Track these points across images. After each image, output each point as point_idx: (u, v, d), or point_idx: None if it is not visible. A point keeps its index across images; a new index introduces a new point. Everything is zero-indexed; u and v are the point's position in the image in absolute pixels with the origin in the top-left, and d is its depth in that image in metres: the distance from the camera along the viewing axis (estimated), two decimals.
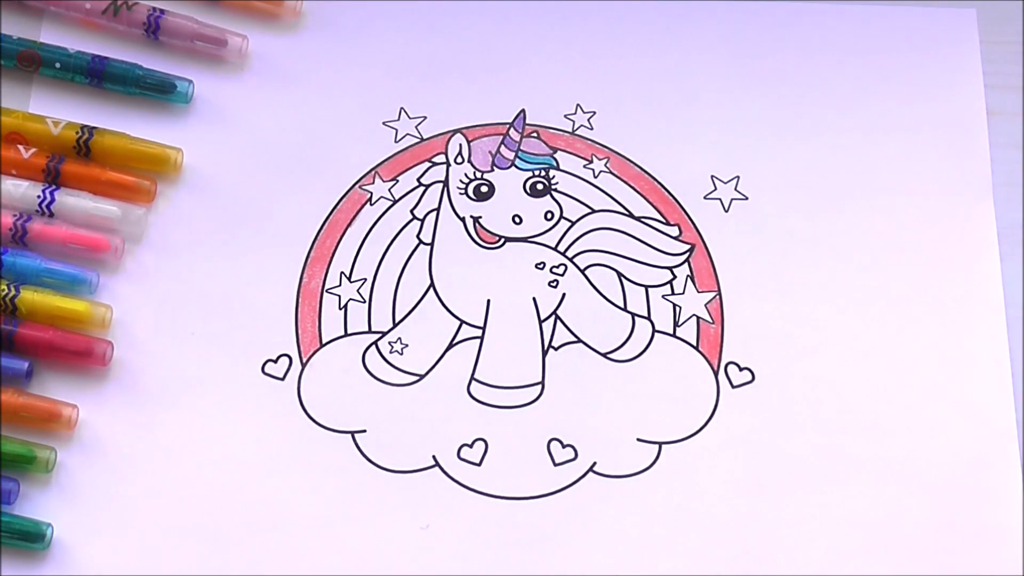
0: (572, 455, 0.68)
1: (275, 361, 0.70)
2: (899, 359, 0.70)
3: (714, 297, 0.71)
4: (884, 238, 0.72)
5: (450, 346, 0.70)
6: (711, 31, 0.76)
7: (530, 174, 0.73)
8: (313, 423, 0.69)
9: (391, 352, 0.70)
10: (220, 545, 0.67)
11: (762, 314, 0.71)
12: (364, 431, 0.69)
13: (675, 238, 0.72)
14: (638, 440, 0.69)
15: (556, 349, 0.70)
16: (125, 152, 0.72)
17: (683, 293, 0.71)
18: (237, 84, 0.75)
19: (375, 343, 0.70)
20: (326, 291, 0.71)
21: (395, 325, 0.71)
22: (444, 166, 0.73)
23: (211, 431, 0.68)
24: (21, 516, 0.66)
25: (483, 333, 0.70)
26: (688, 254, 0.72)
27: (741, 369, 0.70)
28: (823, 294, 0.71)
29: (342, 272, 0.71)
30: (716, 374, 0.70)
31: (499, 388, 0.69)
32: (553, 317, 0.71)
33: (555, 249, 0.72)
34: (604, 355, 0.70)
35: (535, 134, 0.74)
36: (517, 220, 0.72)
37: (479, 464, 0.68)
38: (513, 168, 0.73)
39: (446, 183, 0.73)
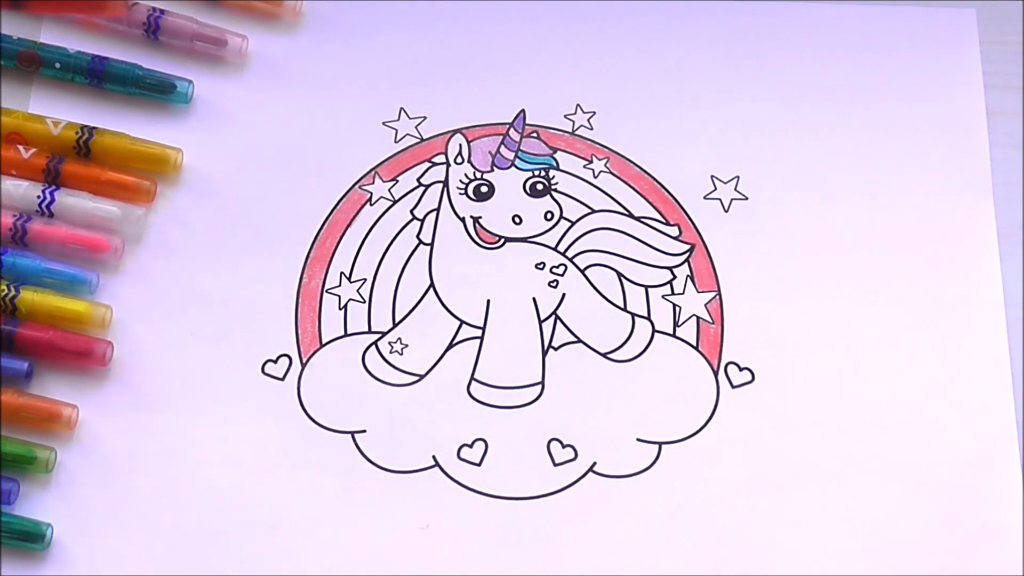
0: (572, 455, 0.68)
1: (275, 361, 0.70)
2: (899, 359, 0.70)
3: (714, 297, 0.71)
4: (884, 238, 0.72)
5: (450, 346, 0.70)
6: (711, 31, 0.76)
7: (530, 174, 0.73)
8: (313, 423, 0.69)
9: (391, 352, 0.70)
10: (220, 545, 0.67)
11: (762, 314, 0.71)
12: (364, 431, 0.69)
13: (675, 238, 0.72)
14: (638, 440, 0.69)
15: (556, 349, 0.70)
16: (125, 152, 0.72)
17: (683, 293, 0.71)
18: (237, 84, 0.75)
19: (375, 343, 0.70)
20: (326, 291, 0.71)
21: (395, 325, 0.71)
22: (444, 166, 0.73)
23: (211, 431, 0.68)
24: (21, 516, 0.66)
25: (483, 333, 0.70)
26: (688, 254, 0.72)
27: (741, 369, 0.70)
28: (823, 294, 0.71)
29: (342, 272, 0.71)
30: (716, 374, 0.70)
31: (499, 388, 0.69)
32: (553, 317, 0.71)
33: (555, 249, 0.72)
34: (604, 355, 0.70)
35: (535, 134, 0.74)
36: (517, 220, 0.72)
37: (479, 464, 0.68)
38: (513, 168, 0.73)
39: (446, 183, 0.73)
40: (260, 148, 0.74)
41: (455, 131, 0.74)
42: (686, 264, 0.72)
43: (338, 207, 0.73)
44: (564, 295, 0.71)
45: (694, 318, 0.71)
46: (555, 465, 0.68)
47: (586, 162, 0.74)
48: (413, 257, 0.72)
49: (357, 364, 0.70)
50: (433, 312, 0.71)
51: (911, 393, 0.69)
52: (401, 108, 0.74)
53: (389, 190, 0.73)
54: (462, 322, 0.71)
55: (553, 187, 0.73)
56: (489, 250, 0.72)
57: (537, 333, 0.71)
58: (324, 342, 0.70)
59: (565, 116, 0.74)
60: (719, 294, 0.71)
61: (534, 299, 0.71)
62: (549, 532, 0.67)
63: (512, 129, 0.74)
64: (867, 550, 0.67)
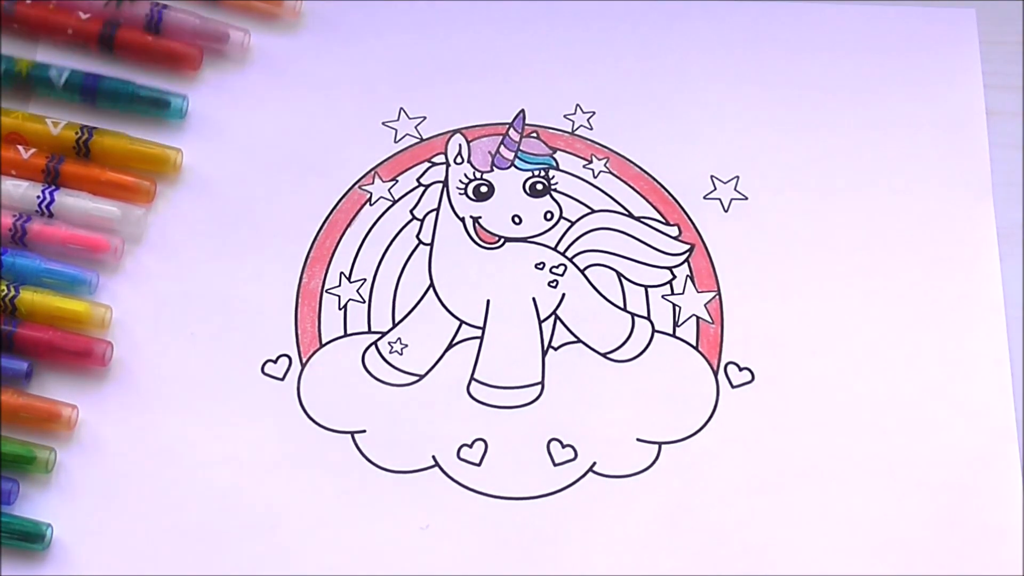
0: (572, 455, 0.68)
1: (275, 361, 0.70)
2: (899, 359, 0.70)
3: (714, 297, 0.71)
4: (884, 238, 0.72)
5: (450, 346, 0.70)
6: (711, 31, 0.76)
7: (530, 174, 0.73)
8: (313, 423, 0.69)
9: (391, 352, 0.70)
10: (220, 545, 0.67)
11: (762, 314, 0.71)
12: (364, 431, 0.69)
13: (675, 238, 0.72)
14: (638, 440, 0.69)
15: (556, 349, 0.70)
16: (124, 152, 0.72)
17: (683, 293, 0.71)
18: (237, 84, 0.75)
19: (375, 343, 0.70)
20: (326, 291, 0.71)
21: (395, 325, 0.71)
22: (444, 166, 0.73)
23: (211, 431, 0.68)
24: (21, 516, 0.66)
25: (483, 333, 0.70)
26: (688, 254, 0.72)
27: (741, 369, 0.70)
28: (823, 294, 0.71)
29: (342, 272, 0.71)
30: (716, 374, 0.70)
31: (499, 388, 0.69)
32: (553, 317, 0.71)
33: (555, 249, 0.72)
34: (604, 355, 0.70)
35: (535, 134, 0.74)
36: (517, 220, 0.72)
37: (479, 464, 0.68)
38: (513, 168, 0.73)
39: (446, 183, 0.73)
40: (260, 148, 0.74)
41: (455, 131, 0.74)
42: (686, 264, 0.72)
43: (338, 207, 0.73)
44: (564, 295, 0.71)
45: (694, 318, 0.71)
46: (555, 465, 0.68)
47: (586, 162, 0.74)
48: (413, 257, 0.72)
49: (357, 364, 0.70)
50: (433, 312, 0.71)
51: (911, 393, 0.69)
52: (401, 108, 0.74)
53: (389, 190, 0.73)
54: (462, 322, 0.71)
55: (553, 187, 0.73)
56: (489, 250, 0.72)
57: (537, 333, 0.71)
58: (324, 342, 0.70)
59: (565, 116, 0.74)
60: (719, 294, 0.71)
61: (534, 299, 0.71)
62: (549, 532, 0.67)
63: (512, 129, 0.74)
64: (867, 550, 0.67)
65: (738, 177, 0.73)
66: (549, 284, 0.71)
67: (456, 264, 0.72)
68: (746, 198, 0.73)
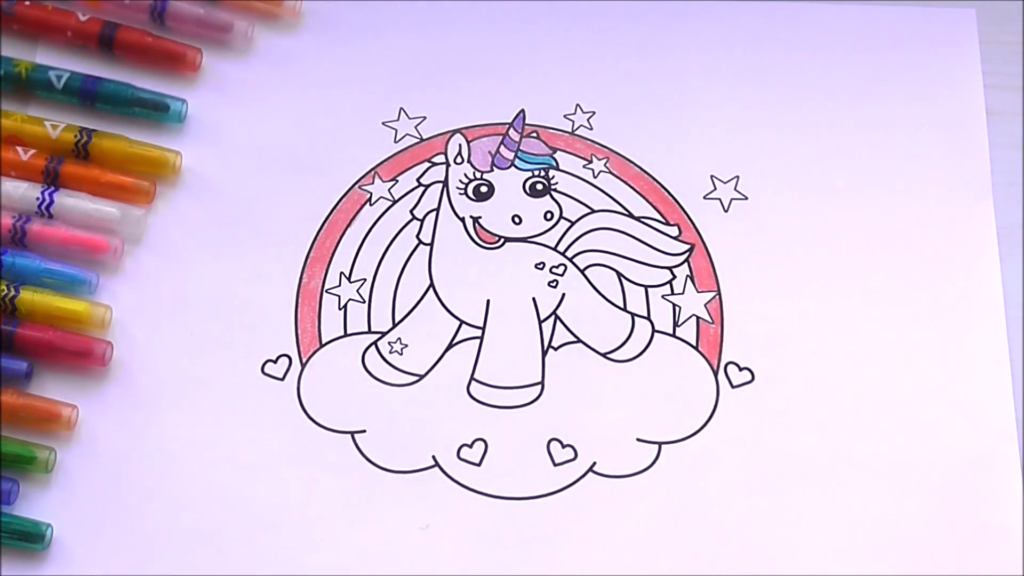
0: (572, 455, 0.68)
1: (275, 361, 0.70)
2: (899, 359, 0.70)
3: (714, 297, 0.71)
4: (884, 238, 0.72)
5: (450, 346, 0.70)
6: (711, 31, 0.76)
7: (530, 174, 0.73)
8: (313, 423, 0.69)
9: (391, 352, 0.70)
10: (220, 545, 0.67)
11: (762, 314, 0.71)
12: (364, 431, 0.69)
13: (675, 238, 0.72)
14: (638, 440, 0.69)
15: (556, 349, 0.70)
16: (124, 155, 0.72)
17: (683, 293, 0.71)
18: (237, 85, 0.75)
19: (375, 343, 0.70)
20: (326, 291, 0.71)
21: (395, 325, 0.71)
22: (444, 166, 0.73)
23: (211, 431, 0.68)
24: (21, 516, 0.66)
25: (483, 333, 0.70)
26: (688, 254, 0.72)
27: (741, 369, 0.70)
28: (823, 294, 0.71)
29: (342, 272, 0.71)
30: (716, 374, 0.70)
31: (499, 388, 0.69)
32: (553, 317, 0.71)
33: (555, 249, 0.72)
34: (604, 355, 0.70)
35: (535, 134, 0.74)
36: (517, 220, 0.72)
37: (479, 464, 0.68)
38: (513, 168, 0.73)
39: (446, 183, 0.73)
40: (260, 148, 0.74)
41: (455, 131, 0.74)
42: (686, 264, 0.72)
43: (338, 207, 0.73)
44: (564, 295, 0.71)
45: (694, 318, 0.71)
46: (555, 465, 0.68)
47: (586, 162, 0.74)
48: (413, 257, 0.72)
49: (357, 364, 0.70)
50: (433, 312, 0.71)
51: (911, 393, 0.69)
52: (401, 108, 0.74)
53: (389, 190, 0.73)
54: (462, 322, 0.71)
55: (553, 187, 0.73)
56: (489, 250, 0.72)
57: (537, 333, 0.70)
58: (324, 342, 0.70)
59: (565, 116, 0.74)
60: (719, 294, 0.71)
61: (534, 299, 0.71)
62: (549, 532, 0.67)
63: (512, 129, 0.74)
64: (867, 550, 0.67)
65: (738, 177, 0.73)
66: (549, 284, 0.71)
67: (456, 264, 0.72)
68: (746, 198, 0.73)
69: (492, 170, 0.73)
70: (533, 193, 0.73)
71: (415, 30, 0.76)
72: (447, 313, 0.71)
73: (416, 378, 0.70)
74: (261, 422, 0.69)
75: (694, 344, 0.70)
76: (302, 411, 0.69)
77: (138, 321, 0.70)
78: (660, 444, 0.69)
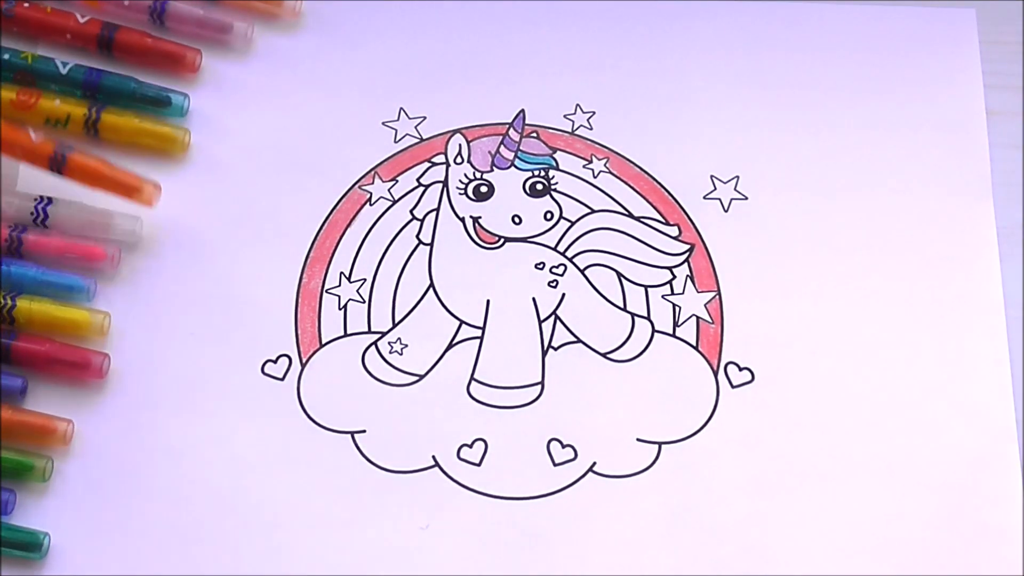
0: (572, 455, 0.68)
1: (275, 361, 0.70)
2: (899, 359, 0.70)
3: (714, 297, 0.71)
4: (884, 238, 0.72)
5: (450, 346, 0.70)
6: (711, 31, 0.76)
7: (530, 174, 0.73)
8: (313, 423, 0.69)
9: (391, 352, 0.70)
10: (220, 545, 0.66)
11: (762, 314, 0.71)
12: (364, 431, 0.69)
13: (675, 238, 0.72)
14: (638, 440, 0.69)
15: (556, 349, 0.70)
16: (133, 130, 0.72)
17: (683, 293, 0.71)
18: (237, 85, 0.75)
19: (375, 343, 0.70)
20: (326, 291, 0.71)
21: (395, 325, 0.71)
22: (444, 166, 0.73)
23: (211, 432, 0.68)
24: (18, 526, 0.66)
25: (483, 333, 0.70)
26: (688, 254, 0.72)
27: (741, 369, 0.70)
28: (823, 294, 0.71)
29: (342, 272, 0.71)
30: (716, 374, 0.70)
31: (499, 388, 0.69)
32: (553, 317, 0.71)
33: (555, 249, 0.72)
34: (604, 355, 0.70)
35: (535, 134, 0.74)
36: (517, 220, 0.72)
37: (479, 464, 0.68)
38: (513, 168, 0.73)
39: (446, 183, 0.73)
40: (260, 148, 0.74)
41: (455, 131, 0.74)
42: (686, 264, 0.72)
43: (338, 207, 0.73)
44: (564, 295, 0.71)
45: (694, 318, 0.71)
46: (555, 465, 0.68)
47: (586, 162, 0.74)
48: (413, 257, 0.72)
49: (357, 364, 0.70)
50: (433, 312, 0.71)
51: (911, 393, 0.69)
52: (401, 108, 0.74)
53: (389, 190, 0.73)
54: (462, 322, 0.71)
55: (553, 187, 0.73)
56: (489, 250, 0.72)
57: (537, 333, 0.70)
58: (324, 342, 0.70)
59: (565, 116, 0.74)
60: (719, 294, 0.71)
61: (534, 299, 0.71)
62: (549, 532, 0.67)
63: (512, 129, 0.74)
64: (867, 550, 0.67)
65: (738, 177, 0.73)
66: (549, 284, 0.71)
67: (456, 264, 0.72)
68: (746, 198, 0.73)
69: (492, 170, 0.73)
70: (533, 193, 0.73)
71: (415, 30, 0.76)
72: (447, 313, 0.71)
73: (416, 378, 0.70)
74: (261, 422, 0.69)
75: (694, 344, 0.70)
76: (302, 411, 0.69)
77: (137, 326, 0.70)
78: (660, 444, 0.69)
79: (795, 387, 0.69)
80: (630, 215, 0.73)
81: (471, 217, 0.72)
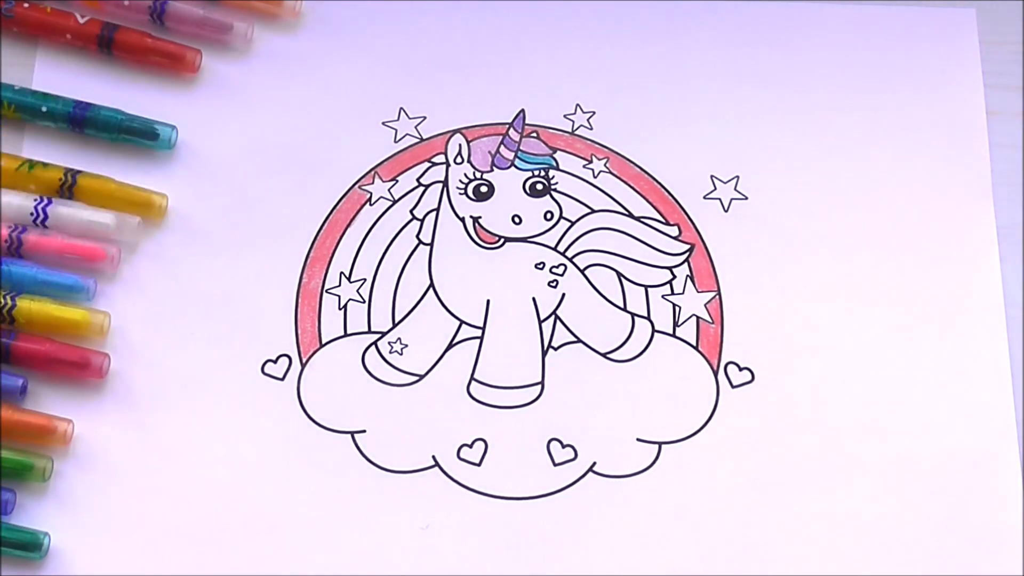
0: (572, 455, 0.68)
1: (275, 361, 0.70)
2: (899, 359, 0.70)
3: (714, 297, 0.71)
4: (884, 238, 0.72)
5: (450, 346, 0.70)
6: (711, 31, 0.76)
7: (530, 174, 0.73)
8: (313, 423, 0.69)
9: (391, 352, 0.70)
10: (220, 546, 0.66)
11: (762, 314, 0.71)
12: (364, 431, 0.69)
13: (675, 238, 0.72)
14: (638, 440, 0.69)
15: (556, 349, 0.70)
16: (108, 194, 0.72)
17: (683, 293, 0.71)
18: (236, 85, 0.75)
19: (375, 343, 0.70)
20: (326, 291, 0.71)
21: (395, 325, 0.71)
22: (444, 166, 0.73)
23: (211, 432, 0.68)
24: (18, 526, 0.66)
25: (483, 333, 0.70)
26: (688, 254, 0.72)
27: (741, 369, 0.70)
28: (823, 294, 0.71)
29: (342, 272, 0.71)
30: (716, 374, 0.70)
31: (499, 388, 0.69)
32: (553, 317, 0.71)
33: (555, 249, 0.72)
34: (604, 355, 0.70)
35: (535, 134, 0.74)
36: (517, 220, 0.72)
37: (479, 464, 0.68)
38: (513, 168, 0.73)
39: (446, 183, 0.73)
40: (260, 148, 0.74)
41: (455, 131, 0.74)
42: (686, 264, 0.72)
43: (338, 207, 0.73)
44: (564, 295, 0.71)
45: (694, 318, 0.71)
46: (555, 465, 0.68)
47: (586, 162, 0.74)
48: (413, 257, 0.72)
49: (357, 364, 0.70)
50: (433, 312, 0.71)
51: (911, 393, 0.69)
52: (401, 108, 0.74)
53: (389, 190, 0.73)
54: (462, 322, 0.71)
55: (553, 187, 0.73)
56: (489, 250, 0.72)
57: (537, 333, 0.70)
58: (324, 342, 0.70)
59: (565, 116, 0.74)
60: (719, 294, 0.71)
61: (534, 299, 0.71)
62: (549, 532, 0.67)
63: (512, 129, 0.74)
64: (867, 550, 0.67)
65: (738, 177, 0.73)
66: (549, 284, 0.71)
67: (456, 264, 0.72)
68: (746, 198, 0.73)
69: (492, 170, 0.73)
70: (533, 193, 0.73)
71: (415, 30, 0.76)
72: (447, 313, 0.71)
73: (416, 378, 0.70)
74: (261, 422, 0.69)
75: (694, 344, 0.70)
76: (302, 411, 0.69)
77: (137, 327, 0.70)
78: (660, 444, 0.69)
79: (795, 387, 0.69)
80: (630, 215, 0.73)
81: (471, 217, 0.72)
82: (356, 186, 0.73)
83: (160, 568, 0.66)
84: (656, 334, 0.71)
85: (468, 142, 0.74)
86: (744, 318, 0.71)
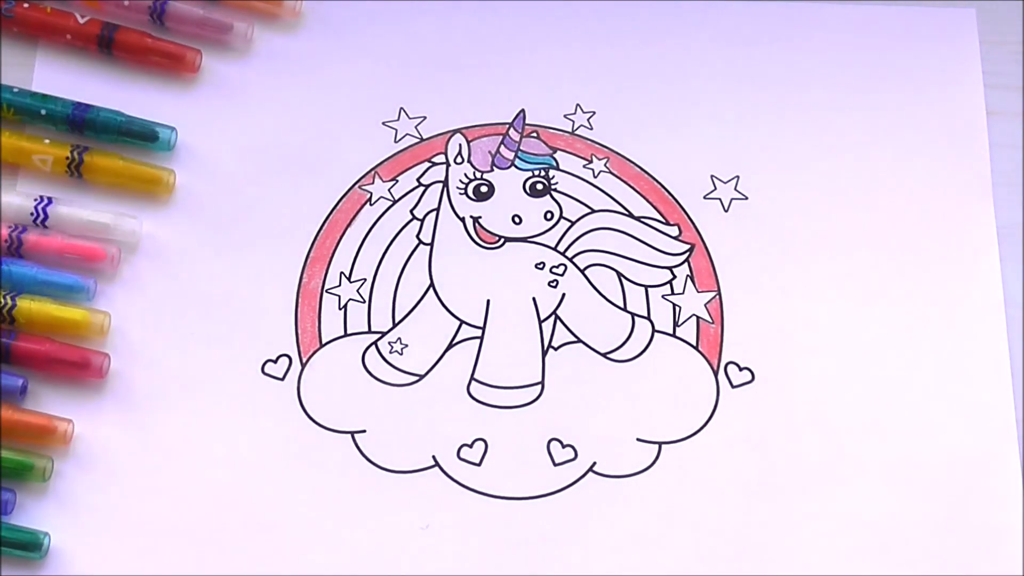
0: (572, 455, 0.68)
1: (275, 361, 0.70)
2: (899, 359, 0.70)
3: (714, 297, 0.71)
4: (884, 238, 0.72)
5: (450, 346, 0.70)
6: (711, 31, 0.76)
7: (530, 174, 0.73)
8: (313, 423, 0.69)
9: (391, 352, 0.70)
10: (220, 546, 0.67)
11: (762, 314, 0.71)
12: (364, 431, 0.69)
13: (675, 238, 0.72)
14: (638, 440, 0.69)
15: (556, 349, 0.70)
16: (116, 171, 0.72)
17: (683, 293, 0.71)
18: (236, 84, 0.75)
19: (375, 343, 0.70)
20: (326, 291, 0.71)
21: (395, 325, 0.71)
22: (444, 166, 0.73)
23: (211, 432, 0.68)
24: (18, 526, 0.66)
25: (483, 333, 0.70)
26: (688, 254, 0.72)
27: (741, 369, 0.70)
28: (823, 294, 0.71)
29: (342, 272, 0.71)
30: (716, 374, 0.70)
31: (499, 388, 0.69)
32: (553, 317, 0.71)
33: (555, 249, 0.72)
34: (604, 355, 0.70)
35: (535, 134, 0.74)
36: (517, 220, 0.72)
37: (479, 464, 0.68)
38: (513, 168, 0.73)
39: (446, 183, 0.73)
40: (260, 148, 0.74)
41: (455, 131, 0.74)
42: (686, 264, 0.72)
43: (338, 207, 0.73)
44: (564, 295, 0.71)
45: (694, 318, 0.71)
46: (555, 465, 0.68)
47: (586, 162, 0.74)
48: (413, 257, 0.72)
49: (357, 364, 0.70)
50: (433, 312, 0.71)
51: (911, 393, 0.69)
52: (401, 108, 0.74)
53: (389, 190, 0.73)
54: (462, 322, 0.71)
55: (553, 187, 0.73)
56: (489, 250, 0.72)
57: (537, 333, 0.70)
58: (324, 342, 0.70)
59: (565, 116, 0.74)
60: (719, 294, 0.71)
61: (534, 299, 0.71)
62: (549, 532, 0.67)
63: (512, 129, 0.74)
64: (867, 550, 0.67)
65: (738, 177, 0.73)
66: (549, 284, 0.71)
67: (456, 264, 0.72)
68: (746, 198, 0.73)
69: (492, 170, 0.73)
70: (533, 193, 0.73)
71: (415, 30, 0.76)
72: (447, 313, 0.71)
73: (416, 378, 0.70)
74: (261, 422, 0.69)
75: (694, 344, 0.70)
76: (302, 411, 0.69)
77: (137, 326, 0.70)
78: (660, 444, 0.69)
79: (795, 387, 0.69)
80: (630, 215, 0.73)
81: (471, 217, 0.72)
82: (356, 186, 0.73)
83: (160, 568, 0.66)
84: (656, 334, 0.71)
85: (468, 142, 0.74)
86: (744, 318, 0.71)
